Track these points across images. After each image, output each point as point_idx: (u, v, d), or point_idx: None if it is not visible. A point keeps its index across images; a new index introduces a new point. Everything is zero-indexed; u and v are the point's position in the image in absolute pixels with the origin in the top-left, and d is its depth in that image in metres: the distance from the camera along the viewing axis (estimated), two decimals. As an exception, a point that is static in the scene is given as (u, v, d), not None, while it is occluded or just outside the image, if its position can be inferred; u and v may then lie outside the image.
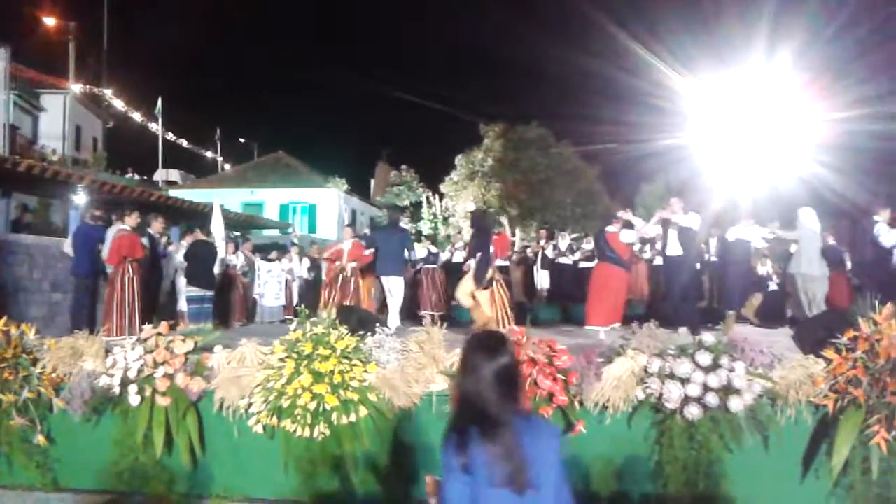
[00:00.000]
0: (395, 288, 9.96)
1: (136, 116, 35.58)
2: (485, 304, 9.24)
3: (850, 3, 18.46)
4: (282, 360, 5.63)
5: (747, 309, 11.10)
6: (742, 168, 18.32)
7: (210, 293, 10.85)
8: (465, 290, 9.36)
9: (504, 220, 24.95)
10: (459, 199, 28.09)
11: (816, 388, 5.19)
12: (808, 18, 18.68)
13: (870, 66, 18.53)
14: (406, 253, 10.32)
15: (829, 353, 5.23)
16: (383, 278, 9.99)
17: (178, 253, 11.31)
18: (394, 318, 9.68)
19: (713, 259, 12.08)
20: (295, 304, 13.06)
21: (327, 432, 5.39)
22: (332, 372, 5.46)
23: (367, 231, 12.46)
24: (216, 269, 11.39)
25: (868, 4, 18.94)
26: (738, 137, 19.30)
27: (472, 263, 9.35)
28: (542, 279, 14.13)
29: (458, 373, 2.56)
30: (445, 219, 29.20)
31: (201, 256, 10.76)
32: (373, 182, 39.16)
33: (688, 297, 9.27)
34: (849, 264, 11.56)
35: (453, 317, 12.07)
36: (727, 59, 19.83)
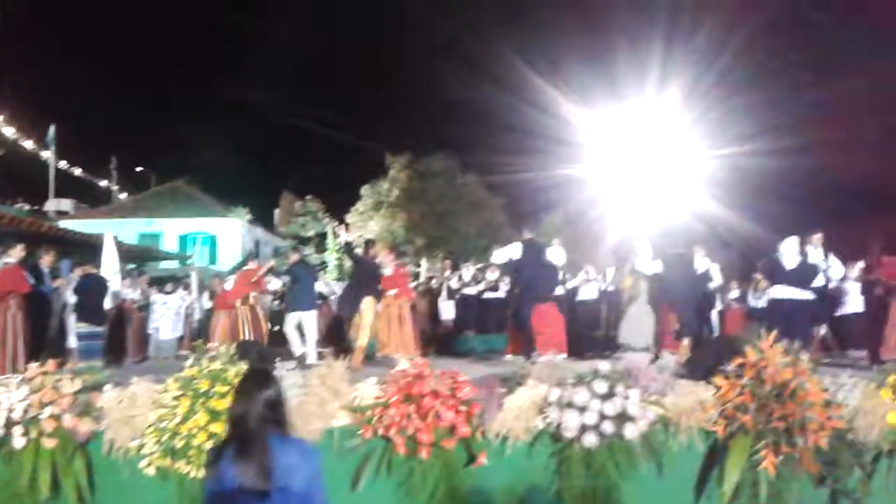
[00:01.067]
0: (307, 322, 9.88)
1: (28, 144, 33.93)
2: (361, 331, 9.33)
3: (732, 44, 19.59)
4: (176, 398, 5.43)
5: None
6: (637, 200, 19.04)
7: (101, 329, 10.40)
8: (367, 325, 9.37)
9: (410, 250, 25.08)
10: (365, 230, 28.02)
11: (707, 415, 5.39)
12: (695, 58, 19.73)
13: (751, 105, 19.72)
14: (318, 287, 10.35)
15: (718, 379, 5.45)
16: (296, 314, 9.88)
17: (67, 287, 10.80)
18: (311, 352, 9.57)
19: (611, 289, 12.45)
20: (192, 338, 12.68)
21: (224, 473, 5.21)
22: (229, 409, 5.30)
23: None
24: (108, 304, 10.93)
25: (749, 45, 20.13)
26: (633, 170, 20.08)
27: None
28: (447, 310, 14.21)
29: (232, 400, 3.04)
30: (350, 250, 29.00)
31: (91, 291, 10.32)
32: (277, 212, 38.60)
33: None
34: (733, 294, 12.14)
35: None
36: (622, 94, 20.67)
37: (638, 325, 9.79)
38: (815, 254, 8.71)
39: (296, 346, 9.65)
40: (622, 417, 5.27)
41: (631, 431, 5.22)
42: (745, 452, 5.13)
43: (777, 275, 8.66)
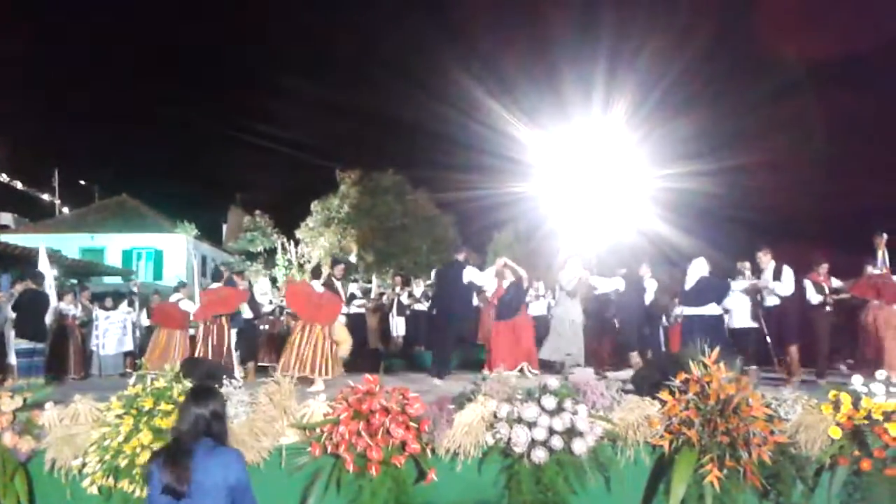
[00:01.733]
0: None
1: (-33, 157, 32.91)
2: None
3: (676, 65, 20.13)
4: (119, 416, 5.32)
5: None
6: (585, 218, 19.33)
7: (41, 345, 10.11)
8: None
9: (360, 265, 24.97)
10: (315, 246, 27.79)
11: (653, 429, 5.48)
12: (639, 79, 20.21)
13: (695, 124, 20.25)
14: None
15: (663, 394, 5.56)
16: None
17: (7, 303, 10.48)
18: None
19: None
20: (135, 354, 12.43)
21: (168, 492, 5.11)
22: (174, 428, 5.21)
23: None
24: (48, 320, 10.63)
25: (691, 67, 20.70)
26: (581, 188, 20.38)
27: None
28: (398, 326, 14.19)
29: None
30: (301, 265, 28.75)
31: (32, 306, 10.04)
32: (225, 227, 38.06)
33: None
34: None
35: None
36: (569, 113, 21.02)
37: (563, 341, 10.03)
38: (766, 271, 9.00)
39: None
40: (570, 432, 5.33)
41: (579, 446, 5.28)
42: (690, 466, 5.22)
43: (680, 294, 9.48)
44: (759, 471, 5.23)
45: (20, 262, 14.65)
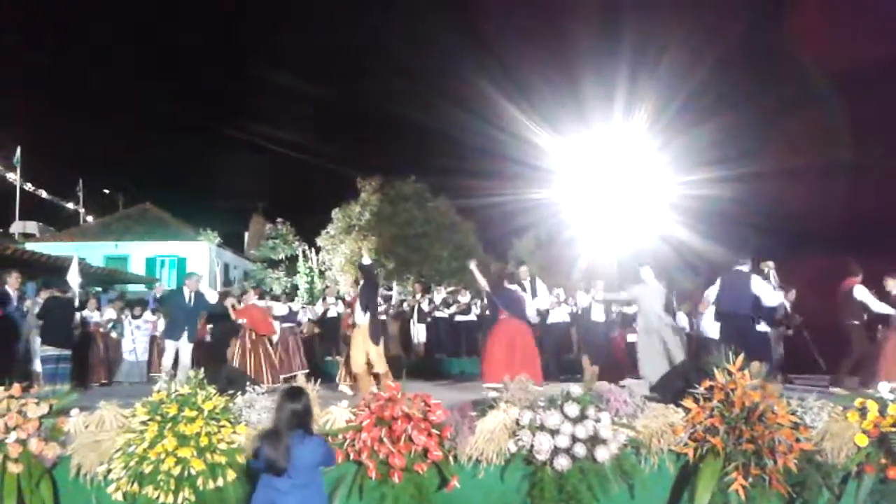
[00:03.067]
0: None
1: (-7, 166, 33.39)
2: (379, 359, 8.88)
3: (697, 72, 20.00)
4: (144, 422, 5.35)
5: None
6: (606, 224, 19.25)
7: (66, 352, 10.20)
8: (361, 351, 8.86)
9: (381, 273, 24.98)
10: (336, 253, 27.90)
11: (677, 437, 5.44)
12: (661, 85, 20.10)
13: (717, 131, 20.10)
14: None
15: (687, 402, 5.51)
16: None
17: (33, 310, 10.61)
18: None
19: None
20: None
21: (192, 498, 5.13)
22: (198, 434, 5.24)
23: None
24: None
25: (714, 72, 20.57)
26: (602, 195, 20.31)
27: (363, 320, 9.01)
28: (419, 333, 14.20)
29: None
30: (322, 273, 28.87)
31: (57, 313, 10.15)
32: (247, 235, 38.33)
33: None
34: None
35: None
36: (590, 120, 20.94)
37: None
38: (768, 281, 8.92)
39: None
40: (594, 440, 5.29)
41: (602, 454, 5.24)
42: (715, 475, 5.18)
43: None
44: (785, 479, 5.17)
45: (46, 270, 14.84)
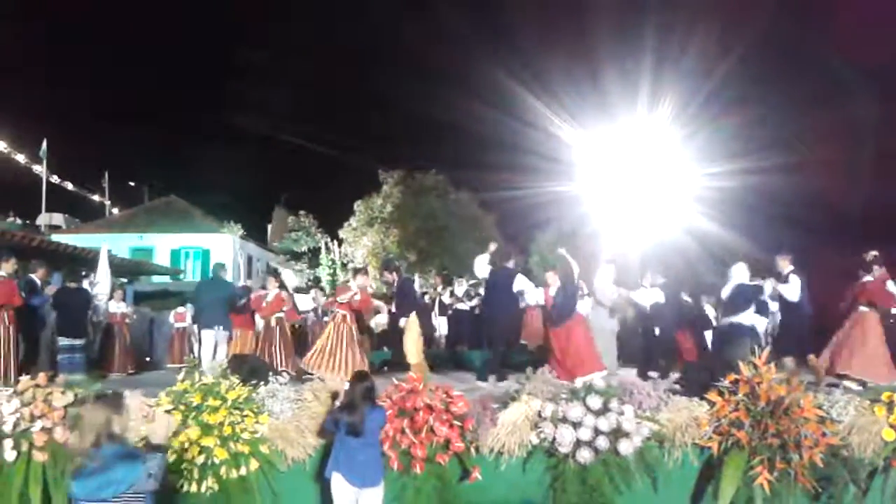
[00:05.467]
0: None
1: (20, 158, 33.80)
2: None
3: (723, 63, 19.75)
4: (168, 411, 5.40)
5: None
6: (629, 217, 19.10)
7: (80, 342, 10.30)
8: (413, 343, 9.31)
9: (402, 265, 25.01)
10: (358, 245, 27.96)
11: (701, 431, 5.40)
12: (684, 77, 19.87)
13: (742, 124, 19.86)
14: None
15: (712, 395, 5.46)
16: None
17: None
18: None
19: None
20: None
21: (216, 487, 5.18)
22: (221, 424, 5.28)
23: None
24: (98, 318, 10.87)
25: (739, 64, 20.31)
26: (625, 188, 20.15)
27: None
28: (440, 325, 14.18)
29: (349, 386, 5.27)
30: (344, 265, 28.96)
31: (70, 304, 10.24)
32: (270, 227, 38.51)
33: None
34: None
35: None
36: (613, 112, 20.76)
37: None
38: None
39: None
40: (617, 433, 5.27)
41: (626, 447, 5.21)
42: (740, 468, 5.14)
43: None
44: (811, 473, 5.13)
45: (73, 261, 15.00)
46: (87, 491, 3.45)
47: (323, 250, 29.94)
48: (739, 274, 8.66)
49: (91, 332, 11.21)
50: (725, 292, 8.67)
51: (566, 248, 9.29)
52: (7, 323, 8.78)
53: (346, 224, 28.57)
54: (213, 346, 9.62)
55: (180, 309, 13.38)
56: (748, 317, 8.50)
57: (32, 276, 10.16)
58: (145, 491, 3.54)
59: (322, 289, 14.61)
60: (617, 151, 20.60)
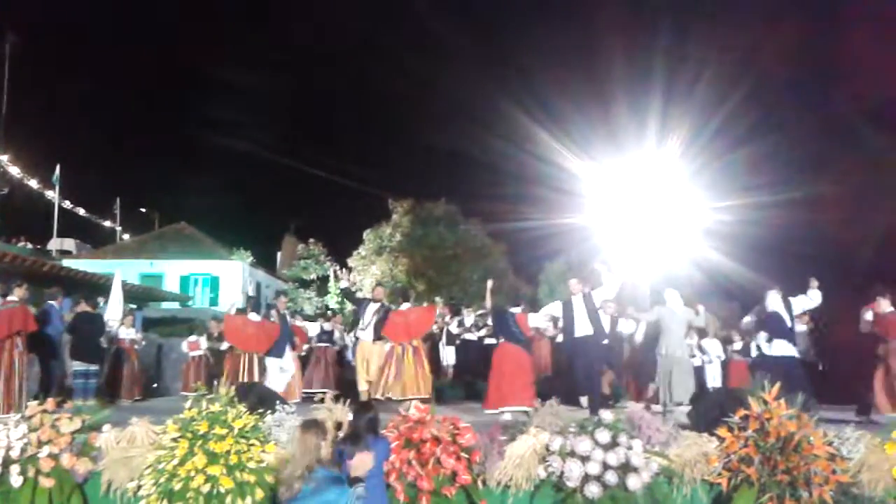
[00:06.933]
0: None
1: (33, 183, 34.19)
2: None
3: (732, 97, 19.85)
4: (175, 439, 5.39)
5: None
6: (638, 250, 19.08)
7: (94, 367, 10.33)
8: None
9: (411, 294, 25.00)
10: (367, 274, 28.02)
11: (711, 466, 5.34)
12: (695, 110, 19.97)
13: (751, 158, 19.90)
14: None
15: (722, 431, 5.41)
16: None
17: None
18: None
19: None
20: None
21: (221, 516, 5.15)
22: (227, 452, 5.26)
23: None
24: (105, 343, 10.92)
25: (748, 98, 20.41)
26: (634, 220, 20.16)
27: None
28: (448, 355, 14.14)
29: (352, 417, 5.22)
30: (353, 293, 28.96)
31: (86, 329, 10.29)
32: (279, 255, 38.70)
33: (592, 376, 9.20)
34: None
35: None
36: (622, 145, 20.86)
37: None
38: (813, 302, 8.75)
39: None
40: (625, 468, 5.21)
41: (634, 482, 5.16)
42: (749, 506, 5.07)
43: (781, 330, 8.66)
44: (821, 511, 5.04)
45: (83, 287, 15.07)
46: None
47: (332, 278, 30.02)
48: (774, 303, 8.63)
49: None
50: (756, 323, 8.66)
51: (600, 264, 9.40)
52: (21, 348, 8.83)
53: (354, 252, 28.67)
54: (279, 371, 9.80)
55: (192, 338, 13.37)
56: (787, 347, 8.52)
57: (52, 303, 10.22)
58: None
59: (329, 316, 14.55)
60: (626, 184, 20.65)
